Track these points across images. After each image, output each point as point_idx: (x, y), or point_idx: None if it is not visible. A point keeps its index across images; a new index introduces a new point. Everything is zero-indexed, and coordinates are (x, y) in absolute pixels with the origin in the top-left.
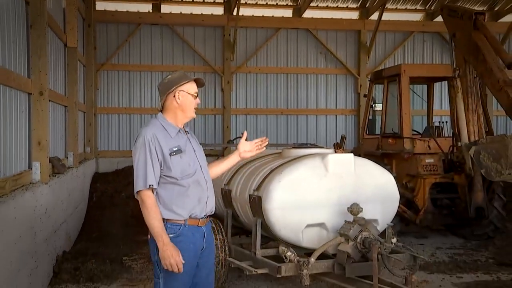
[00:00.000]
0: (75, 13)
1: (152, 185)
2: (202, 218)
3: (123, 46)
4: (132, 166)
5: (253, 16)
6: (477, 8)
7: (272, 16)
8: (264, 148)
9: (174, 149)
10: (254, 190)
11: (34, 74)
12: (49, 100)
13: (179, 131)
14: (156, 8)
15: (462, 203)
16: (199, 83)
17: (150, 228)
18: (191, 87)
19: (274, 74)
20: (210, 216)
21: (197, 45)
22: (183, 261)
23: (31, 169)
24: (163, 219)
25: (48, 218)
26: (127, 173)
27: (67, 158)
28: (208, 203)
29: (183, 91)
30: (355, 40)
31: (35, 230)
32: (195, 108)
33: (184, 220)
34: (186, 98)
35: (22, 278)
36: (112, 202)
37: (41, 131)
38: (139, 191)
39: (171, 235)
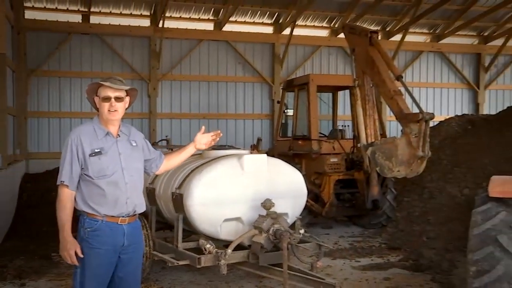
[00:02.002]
0: (3, 20)
1: (63, 181)
2: (122, 217)
3: (54, 54)
4: None
5: (177, 28)
6: (373, 27)
7: (195, 29)
8: (218, 139)
9: (96, 150)
10: (176, 188)
11: None
12: None
13: (107, 133)
14: (86, 18)
15: (361, 197)
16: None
17: (57, 219)
18: (103, 91)
19: (197, 82)
20: (135, 215)
21: (125, 54)
22: (81, 255)
23: None
24: (83, 211)
25: None
26: (56, 174)
27: None
28: (128, 204)
29: (98, 96)
30: (270, 52)
31: None
32: (112, 111)
33: (102, 217)
34: (99, 103)
35: None
36: (43, 201)
37: None
38: (57, 185)
39: (88, 229)
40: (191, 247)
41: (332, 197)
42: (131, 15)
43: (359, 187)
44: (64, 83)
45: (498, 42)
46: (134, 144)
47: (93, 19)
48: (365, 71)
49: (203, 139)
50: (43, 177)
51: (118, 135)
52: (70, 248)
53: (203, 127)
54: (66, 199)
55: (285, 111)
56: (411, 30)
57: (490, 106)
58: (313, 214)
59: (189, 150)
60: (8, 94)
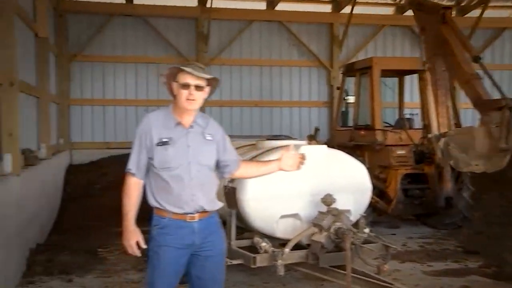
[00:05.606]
0: (45, 2)
1: (130, 170)
2: (190, 214)
3: (96, 37)
4: (105, 158)
5: (226, 8)
6: (445, 2)
7: (245, 9)
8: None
9: (163, 140)
10: (229, 182)
11: (3, 64)
12: (20, 91)
13: (178, 123)
14: None
15: (432, 193)
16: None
17: (122, 207)
18: (182, 77)
19: (248, 66)
20: (208, 211)
21: (170, 37)
22: (144, 246)
23: (2, 160)
24: (153, 207)
25: (19, 210)
26: (101, 165)
27: (39, 149)
28: (194, 201)
29: (176, 82)
30: (327, 33)
31: (7, 222)
32: (190, 100)
33: (168, 213)
34: (177, 89)
35: None
36: (86, 194)
37: (12, 122)
38: (125, 172)
39: (156, 226)
40: (245, 245)
41: (399, 194)
42: None
43: (430, 182)
44: (107, 68)
45: None
46: (209, 138)
47: (136, 0)
48: (436, 52)
49: (289, 160)
50: (86, 169)
51: (191, 126)
52: (131, 238)
53: (291, 145)
54: (132, 188)
55: (345, 98)
56: (491, 3)
57: None
58: (377, 212)
59: (271, 168)
60: (51, 81)
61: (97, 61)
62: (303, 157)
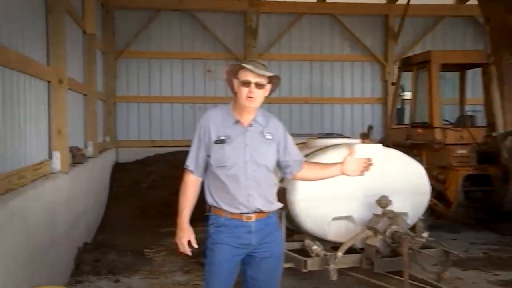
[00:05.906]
0: None
1: (188, 166)
2: (247, 214)
3: (142, 33)
4: (151, 156)
5: (275, 1)
6: None
7: (295, 1)
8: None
9: (221, 137)
10: (279, 182)
11: (53, 61)
12: (69, 89)
13: (236, 121)
14: None
15: (496, 196)
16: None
17: (178, 203)
18: (243, 74)
19: (297, 62)
20: (265, 212)
21: (218, 31)
22: (196, 246)
23: (51, 158)
24: (210, 205)
25: (68, 208)
26: (146, 163)
27: (86, 147)
28: (250, 201)
29: (237, 79)
30: (382, 26)
31: (55, 220)
32: (250, 97)
33: (226, 212)
34: (237, 86)
35: (42, 269)
36: (132, 193)
37: (61, 120)
38: (183, 169)
39: (212, 224)
40: (295, 248)
41: (460, 196)
42: None
43: (494, 184)
44: (154, 64)
45: None
46: (269, 138)
47: None
48: (503, 44)
49: (353, 165)
50: (132, 167)
51: (250, 124)
52: (183, 236)
53: (353, 149)
54: (189, 185)
55: (401, 94)
56: None
57: None
58: (435, 215)
59: (333, 171)
60: (97, 78)
61: (143, 57)
62: (368, 162)
